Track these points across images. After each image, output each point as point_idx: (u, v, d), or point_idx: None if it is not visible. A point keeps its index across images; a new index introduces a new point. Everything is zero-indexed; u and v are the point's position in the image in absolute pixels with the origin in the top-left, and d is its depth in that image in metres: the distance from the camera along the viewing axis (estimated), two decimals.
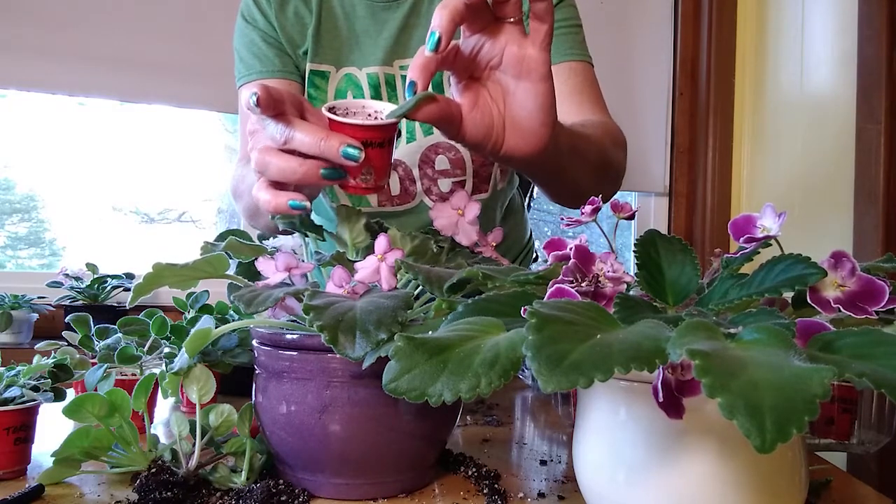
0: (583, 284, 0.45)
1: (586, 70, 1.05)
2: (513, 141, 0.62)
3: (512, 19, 0.58)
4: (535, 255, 1.33)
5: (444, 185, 1.04)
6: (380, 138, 0.56)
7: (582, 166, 0.80)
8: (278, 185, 0.59)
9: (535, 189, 1.48)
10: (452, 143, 0.94)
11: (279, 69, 1.02)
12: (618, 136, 0.98)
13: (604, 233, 0.54)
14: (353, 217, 0.66)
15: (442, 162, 1.02)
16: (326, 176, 0.56)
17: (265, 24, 1.02)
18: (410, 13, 1.02)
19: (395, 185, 1.05)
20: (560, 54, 1.02)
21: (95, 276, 1.69)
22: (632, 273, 0.48)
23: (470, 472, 0.62)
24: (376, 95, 1.00)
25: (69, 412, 0.57)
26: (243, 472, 0.57)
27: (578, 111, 0.98)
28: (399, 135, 1.00)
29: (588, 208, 0.55)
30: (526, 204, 1.38)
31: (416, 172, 1.04)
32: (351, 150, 0.55)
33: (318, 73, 1.02)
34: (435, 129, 0.94)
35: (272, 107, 0.56)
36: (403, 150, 1.03)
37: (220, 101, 1.92)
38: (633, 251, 0.50)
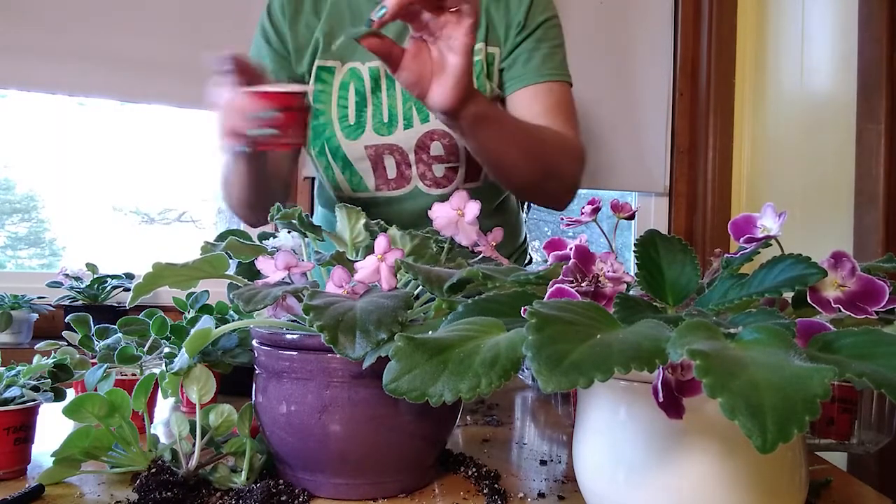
0: (583, 284, 0.45)
1: (563, 90, 1.10)
2: (434, 92, 0.81)
3: (453, 9, 0.76)
4: (528, 258, 1.34)
5: (439, 170, 1.10)
6: (290, 102, 0.80)
7: (509, 149, 0.95)
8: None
9: None
10: (448, 130, 1.06)
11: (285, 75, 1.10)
12: (572, 149, 1.05)
13: (604, 233, 0.54)
14: (353, 217, 0.66)
15: (437, 148, 1.08)
16: (254, 134, 0.79)
17: (276, 40, 1.11)
18: None
19: (391, 168, 1.10)
20: (540, 74, 1.08)
21: (95, 276, 1.69)
22: (632, 273, 0.48)
23: (470, 472, 0.62)
24: (376, 87, 1.08)
25: (69, 412, 0.57)
26: (243, 472, 0.57)
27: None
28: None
29: (588, 208, 0.55)
30: (526, 205, 1.38)
31: (412, 157, 1.09)
32: (264, 113, 0.78)
33: (324, 68, 1.09)
34: (432, 118, 1.06)
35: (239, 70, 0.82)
36: (400, 136, 1.08)
37: None
38: (633, 251, 0.50)
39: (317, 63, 1.08)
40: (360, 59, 1.08)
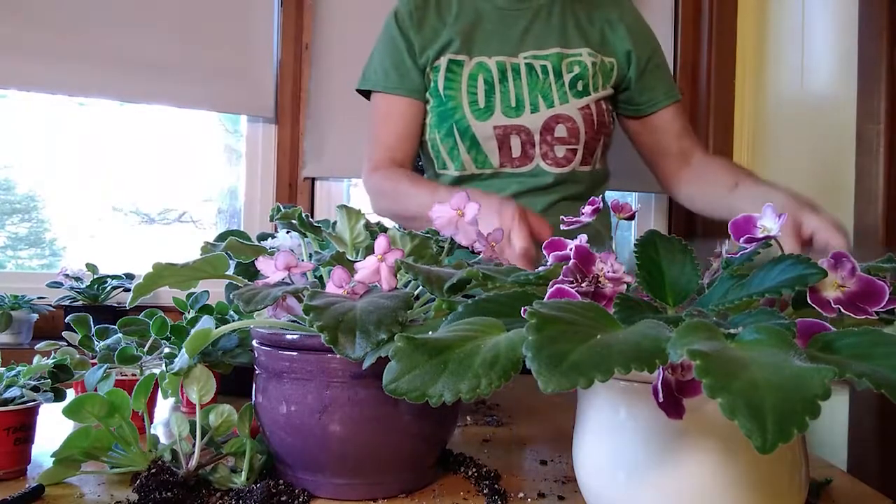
0: (583, 285, 0.45)
1: (683, 105, 1.35)
2: None
3: None
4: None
5: (560, 150, 1.24)
6: None
7: None
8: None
9: None
10: (571, 115, 1.24)
11: (415, 89, 1.26)
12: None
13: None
14: (353, 217, 0.66)
15: (561, 130, 1.23)
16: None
17: (403, 42, 1.26)
18: (533, 18, 1.27)
19: (517, 148, 1.24)
20: (671, 95, 1.32)
21: (95, 276, 1.69)
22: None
23: (470, 472, 0.62)
24: (503, 78, 1.24)
25: (69, 412, 0.57)
26: (243, 473, 0.57)
27: (691, 145, 1.32)
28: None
29: (588, 208, 0.55)
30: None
31: (537, 138, 1.23)
32: None
33: (455, 62, 1.25)
34: (556, 103, 1.24)
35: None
36: (527, 118, 1.23)
37: (220, 101, 1.92)
38: (634, 251, 0.50)
39: (448, 56, 1.24)
40: (487, 54, 1.25)
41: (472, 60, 1.25)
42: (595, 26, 1.29)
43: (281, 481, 0.56)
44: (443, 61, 1.25)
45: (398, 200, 1.20)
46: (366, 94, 1.32)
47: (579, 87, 1.24)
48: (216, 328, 0.59)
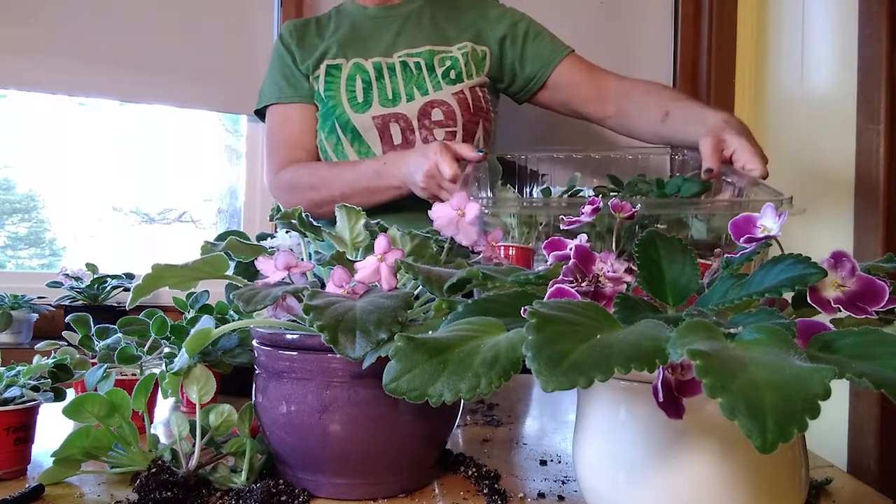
0: (583, 284, 0.45)
1: (577, 55, 1.39)
2: None
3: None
4: None
5: (440, 134, 1.29)
6: None
7: None
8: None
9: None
10: (446, 99, 1.30)
11: (307, 95, 1.35)
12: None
13: (604, 233, 0.54)
14: (353, 217, 0.66)
15: (437, 114, 1.30)
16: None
17: (288, 58, 1.36)
18: (404, 23, 1.37)
19: (397, 136, 1.29)
20: (560, 49, 1.37)
21: (95, 276, 1.69)
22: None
23: (470, 472, 0.62)
24: (380, 76, 1.31)
25: (69, 412, 0.57)
26: (243, 472, 0.57)
27: (600, 77, 1.35)
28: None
29: (588, 208, 0.55)
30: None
31: (415, 124, 1.29)
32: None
33: (333, 66, 1.34)
34: (431, 90, 1.30)
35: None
36: (404, 106, 1.29)
37: (220, 101, 1.91)
38: (634, 251, 0.50)
39: (326, 63, 1.33)
40: (363, 57, 1.33)
41: (349, 63, 1.32)
42: (466, 22, 1.37)
43: (281, 481, 0.56)
44: (322, 68, 1.33)
45: (321, 187, 1.24)
46: (261, 116, 1.41)
47: (452, 75, 1.30)
48: (216, 328, 0.59)
